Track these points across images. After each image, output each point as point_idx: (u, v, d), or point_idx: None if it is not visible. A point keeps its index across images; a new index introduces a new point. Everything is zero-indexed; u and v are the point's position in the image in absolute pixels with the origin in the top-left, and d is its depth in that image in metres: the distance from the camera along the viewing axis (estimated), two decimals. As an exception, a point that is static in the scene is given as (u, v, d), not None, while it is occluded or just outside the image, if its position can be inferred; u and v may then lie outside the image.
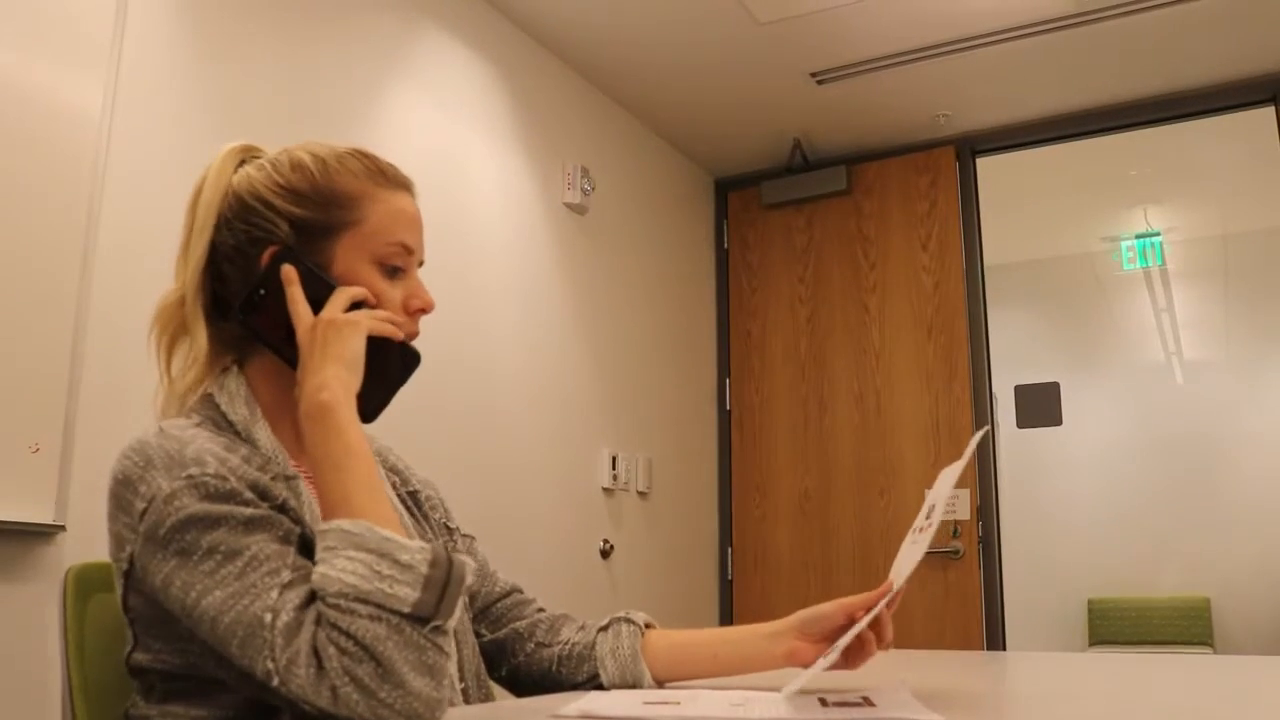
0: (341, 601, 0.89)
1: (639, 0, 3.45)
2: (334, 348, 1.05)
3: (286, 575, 0.93)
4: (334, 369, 1.04)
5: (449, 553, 0.95)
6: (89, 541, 1.95)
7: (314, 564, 0.93)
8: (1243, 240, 6.08)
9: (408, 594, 0.90)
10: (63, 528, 1.99)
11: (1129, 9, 3.52)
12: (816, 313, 4.52)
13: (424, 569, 0.92)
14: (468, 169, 3.29)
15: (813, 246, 4.58)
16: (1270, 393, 6.10)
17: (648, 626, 1.25)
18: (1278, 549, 5.83)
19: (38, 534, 1.98)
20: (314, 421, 1.01)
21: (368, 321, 1.09)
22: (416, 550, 0.92)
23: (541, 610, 1.29)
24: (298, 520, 1.01)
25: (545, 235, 3.62)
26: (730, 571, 4.48)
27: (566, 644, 1.24)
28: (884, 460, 4.28)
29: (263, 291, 1.09)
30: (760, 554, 4.44)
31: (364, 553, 0.91)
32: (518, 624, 1.26)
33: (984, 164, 4.43)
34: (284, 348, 1.09)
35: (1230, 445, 6.15)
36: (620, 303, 4.01)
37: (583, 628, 1.26)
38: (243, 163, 1.17)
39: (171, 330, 1.13)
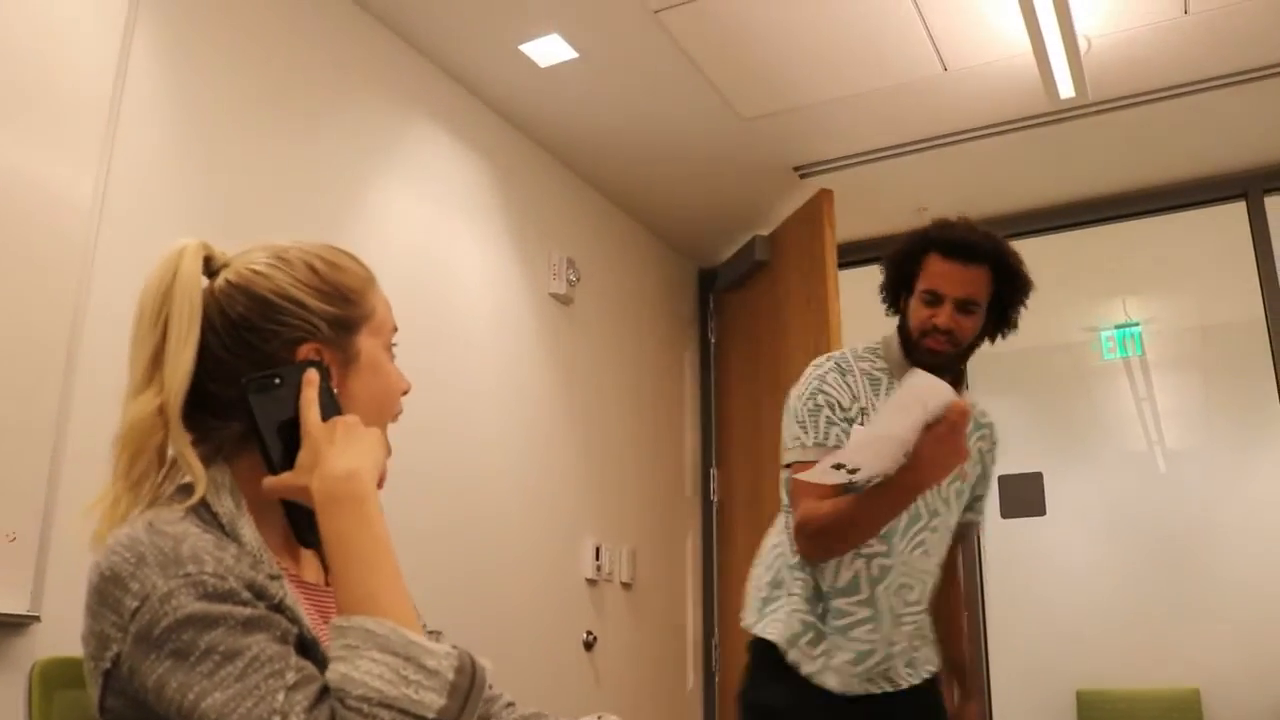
0: (364, 706, 0.88)
1: (624, 95, 3.52)
2: (362, 445, 1.05)
3: (291, 676, 0.92)
4: (365, 461, 1.03)
5: (473, 658, 0.95)
6: (64, 633, 1.92)
7: (328, 660, 0.93)
8: (1220, 331, 6.14)
9: (433, 700, 0.90)
10: (37, 618, 1.97)
11: (1105, 107, 3.61)
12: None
13: (450, 675, 0.91)
14: (455, 259, 3.33)
15: (755, 323, 4.50)
16: (1252, 481, 6.11)
17: None
18: (1266, 639, 5.80)
19: (12, 625, 1.95)
20: (343, 508, 1.00)
21: (385, 450, 1.10)
22: (443, 656, 0.92)
23: (511, 705, 1.27)
24: (294, 620, 0.99)
25: (531, 325, 3.65)
26: (715, 664, 4.42)
27: None
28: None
29: (278, 381, 1.08)
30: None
31: (389, 655, 0.91)
32: None
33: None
34: (272, 439, 1.07)
35: (1214, 534, 6.14)
36: (605, 391, 4.03)
37: None
38: (208, 260, 1.14)
39: (146, 444, 1.05)
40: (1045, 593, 6.41)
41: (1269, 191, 4.02)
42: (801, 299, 4.15)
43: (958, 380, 2.32)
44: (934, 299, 2.22)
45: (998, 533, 6.10)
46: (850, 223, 4.45)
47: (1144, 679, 6.34)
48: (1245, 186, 4.04)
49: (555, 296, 3.78)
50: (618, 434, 4.07)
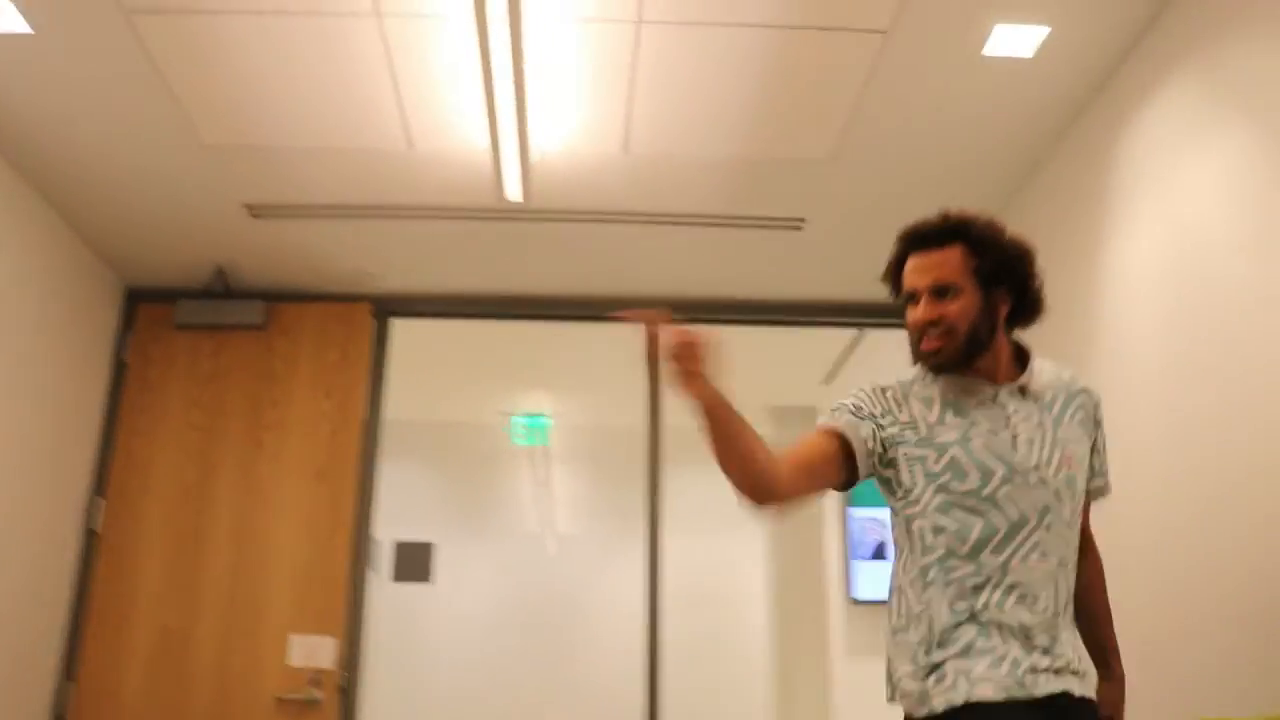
0: None
1: (78, 88, 3.26)
2: None
3: None
4: None
5: None
6: None
7: None
8: (612, 433, 6.86)
9: None
10: None
11: (547, 217, 3.98)
12: (213, 443, 4.37)
13: None
14: None
15: (219, 375, 4.47)
16: (625, 567, 6.84)
17: None
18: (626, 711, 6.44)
19: None
20: None
21: None
22: None
23: None
24: None
25: (-90, 311, 3.21)
26: (67, 711, 4.05)
27: None
28: (253, 600, 4.17)
29: None
30: (110, 691, 4.07)
31: None
32: None
33: (399, 325, 4.65)
34: None
35: (590, 615, 6.76)
36: (-11, 400, 3.62)
37: None
38: None
39: None
40: (429, 659, 6.65)
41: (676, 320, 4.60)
42: (318, 390, 4.47)
43: (1022, 361, 2.17)
44: (911, 298, 2.12)
45: (390, 596, 6.25)
46: (293, 274, 4.45)
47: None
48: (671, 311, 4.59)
49: (-52, 286, 3.37)
50: (-4, 449, 3.67)
